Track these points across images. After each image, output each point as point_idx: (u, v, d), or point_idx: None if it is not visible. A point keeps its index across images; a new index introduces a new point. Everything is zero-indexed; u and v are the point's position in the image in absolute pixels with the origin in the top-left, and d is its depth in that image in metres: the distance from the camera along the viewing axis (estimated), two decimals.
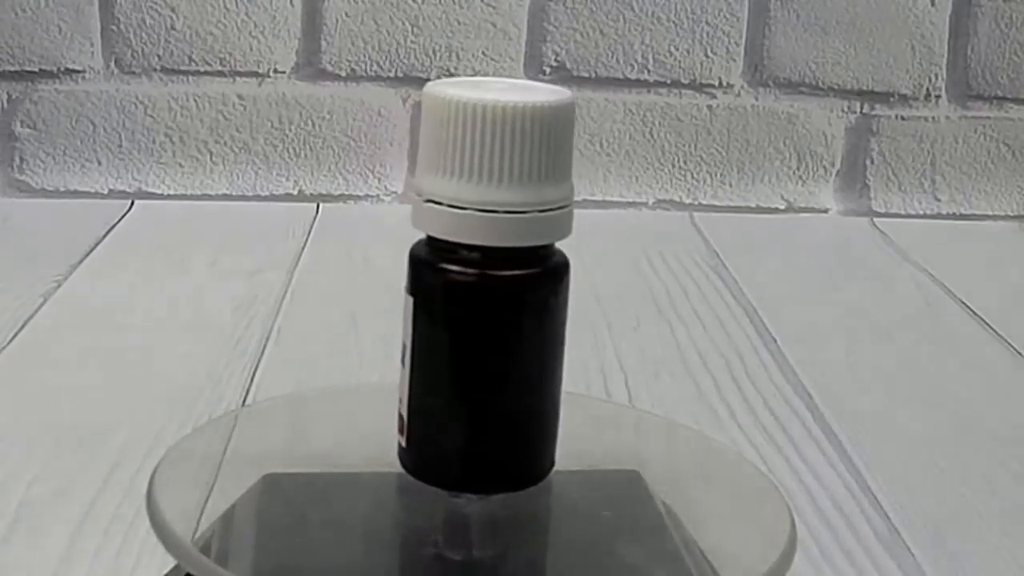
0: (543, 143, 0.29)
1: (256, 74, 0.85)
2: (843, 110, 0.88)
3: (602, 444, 0.33)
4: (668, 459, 0.37)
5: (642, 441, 0.38)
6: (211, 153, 0.85)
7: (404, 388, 0.31)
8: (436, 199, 0.29)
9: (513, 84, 0.30)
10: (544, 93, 0.29)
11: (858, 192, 0.90)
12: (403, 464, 0.31)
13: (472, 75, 0.85)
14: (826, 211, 0.90)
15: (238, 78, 0.85)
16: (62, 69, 0.83)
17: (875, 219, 0.89)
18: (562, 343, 0.31)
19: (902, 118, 0.89)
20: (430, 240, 0.30)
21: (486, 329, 0.29)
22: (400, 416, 0.31)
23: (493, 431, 0.30)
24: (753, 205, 0.89)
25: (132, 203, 0.84)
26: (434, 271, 0.29)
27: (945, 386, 0.60)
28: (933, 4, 0.87)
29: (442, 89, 0.29)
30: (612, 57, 0.86)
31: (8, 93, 0.83)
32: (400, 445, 0.31)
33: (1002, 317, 0.69)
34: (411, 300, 0.30)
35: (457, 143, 0.29)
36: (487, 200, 0.29)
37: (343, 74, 0.85)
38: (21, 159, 0.84)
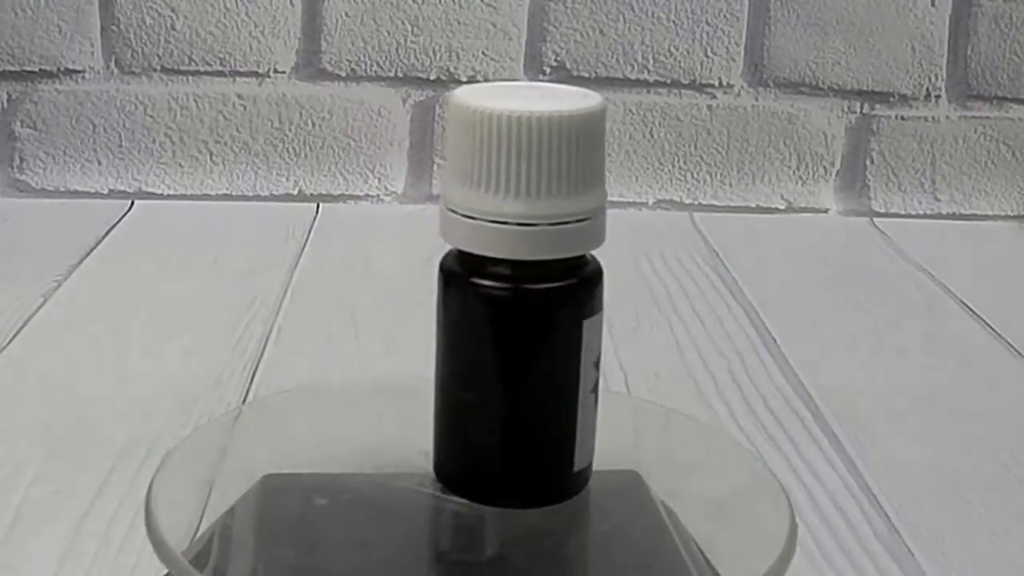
0: (580, 151, 0.27)
1: (256, 74, 0.85)
2: (843, 110, 0.88)
3: (602, 442, 0.33)
4: (668, 456, 0.37)
5: (642, 437, 0.38)
6: (211, 153, 0.85)
7: (436, 399, 0.30)
8: (469, 213, 0.28)
9: (544, 90, 0.29)
10: (574, 98, 0.28)
11: (858, 192, 0.90)
12: (436, 474, 0.31)
13: (472, 75, 0.85)
14: (826, 211, 0.90)
15: (238, 78, 0.84)
16: (62, 69, 0.83)
17: (875, 219, 0.89)
18: (598, 351, 0.30)
19: (902, 118, 0.89)
20: (461, 252, 0.29)
21: (520, 342, 0.29)
22: (433, 426, 0.30)
23: (529, 443, 0.29)
24: (753, 205, 0.89)
25: (132, 203, 0.84)
26: (466, 284, 0.29)
27: (945, 386, 0.60)
28: (933, 4, 0.87)
29: (472, 99, 0.28)
30: (612, 57, 0.86)
31: (8, 93, 0.83)
32: (433, 454, 0.31)
33: (1002, 317, 0.69)
34: (442, 312, 0.29)
35: (491, 155, 0.27)
36: (524, 213, 0.27)
37: (343, 74, 0.85)
38: (21, 159, 0.84)
